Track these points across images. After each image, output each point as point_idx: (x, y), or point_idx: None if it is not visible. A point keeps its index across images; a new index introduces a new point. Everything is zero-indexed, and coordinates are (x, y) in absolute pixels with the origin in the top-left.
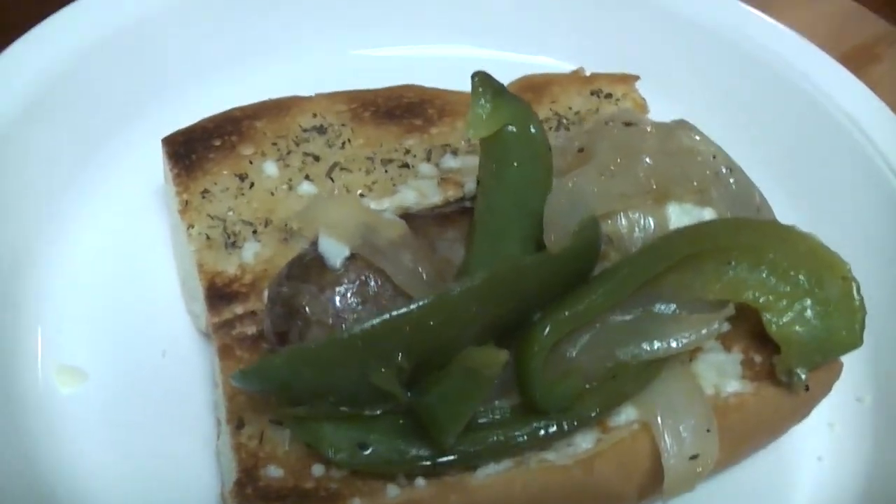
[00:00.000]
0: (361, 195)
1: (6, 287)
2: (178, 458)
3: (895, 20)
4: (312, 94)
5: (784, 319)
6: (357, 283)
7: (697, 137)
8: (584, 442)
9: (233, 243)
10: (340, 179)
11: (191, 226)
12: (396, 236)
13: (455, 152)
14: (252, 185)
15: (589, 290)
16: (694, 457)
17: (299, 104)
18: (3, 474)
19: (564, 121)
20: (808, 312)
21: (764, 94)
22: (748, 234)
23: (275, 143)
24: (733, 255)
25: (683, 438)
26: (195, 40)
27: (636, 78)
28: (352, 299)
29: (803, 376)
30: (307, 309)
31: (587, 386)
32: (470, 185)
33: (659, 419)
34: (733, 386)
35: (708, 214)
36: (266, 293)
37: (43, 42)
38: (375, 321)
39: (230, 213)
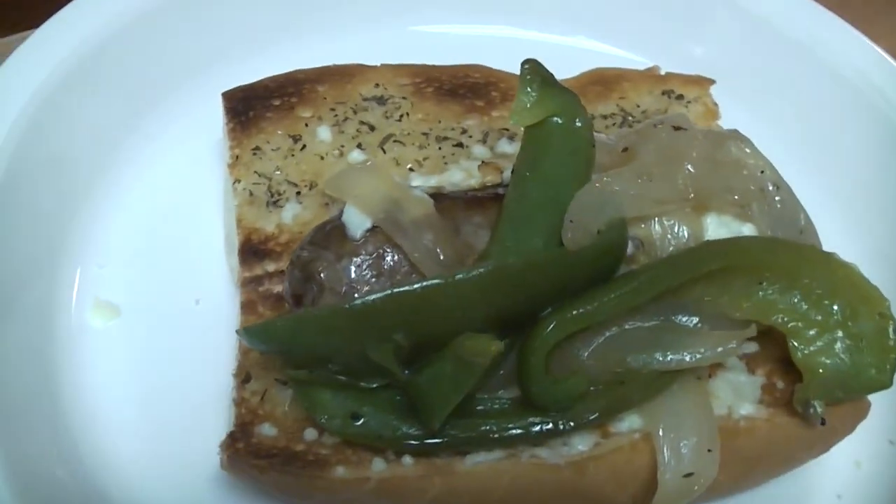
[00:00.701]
0: (410, 169)
1: (58, 221)
2: (193, 404)
3: None
4: (378, 64)
5: (811, 348)
6: (374, 255)
7: (748, 150)
8: (581, 444)
9: (275, 202)
10: (392, 151)
11: (237, 180)
12: (421, 214)
13: (512, 138)
14: (304, 147)
15: (604, 291)
16: (689, 475)
17: (363, 73)
18: (24, 397)
19: (630, 118)
20: (838, 345)
21: (847, 118)
22: (784, 255)
23: (333, 109)
24: (766, 276)
25: (683, 455)
26: (259, 5)
27: (711, 82)
28: (366, 271)
29: (819, 409)
30: (322, 275)
31: (592, 388)
32: (508, 172)
33: (661, 432)
34: (747, 409)
35: (747, 230)
36: (291, 255)
37: None
38: (378, 295)
39: (277, 173)
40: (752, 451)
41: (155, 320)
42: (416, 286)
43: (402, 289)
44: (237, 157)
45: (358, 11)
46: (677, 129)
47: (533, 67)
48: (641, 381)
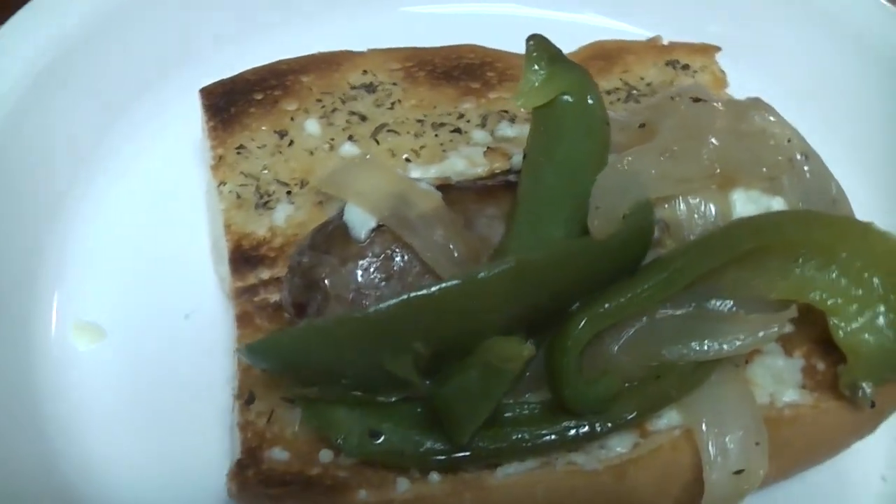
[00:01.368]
0: (407, 160)
1: (31, 238)
2: (190, 428)
3: None
4: (365, 50)
5: (853, 326)
6: (382, 257)
7: (772, 118)
8: (620, 446)
9: (265, 204)
10: (386, 142)
11: (222, 182)
12: (430, 209)
13: (513, 120)
14: (291, 142)
15: (635, 282)
16: (738, 472)
17: (350, 59)
18: (9, 429)
19: (635, 92)
20: (881, 320)
21: (862, 80)
22: (820, 229)
23: (319, 100)
24: (802, 252)
25: (729, 451)
26: None
27: (717, 49)
28: (375, 275)
29: (868, 391)
30: (326, 282)
31: (626, 385)
32: (517, 158)
33: (704, 427)
34: (791, 396)
35: (777, 204)
36: (289, 260)
37: None
38: (393, 302)
39: (265, 172)
40: (799, 441)
41: (143, 339)
42: (433, 289)
43: (418, 293)
44: (220, 157)
45: None
46: (696, 100)
47: (539, 43)
48: (678, 374)
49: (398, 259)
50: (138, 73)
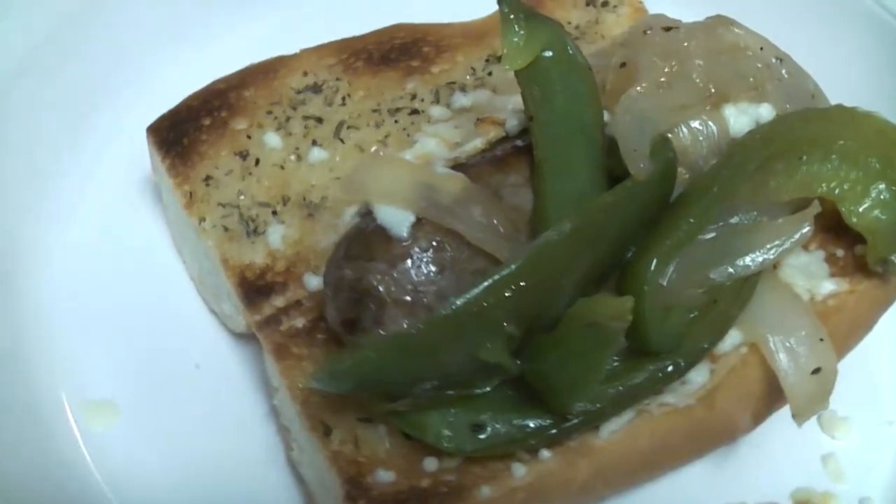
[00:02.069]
0: (378, 152)
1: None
2: (246, 479)
3: None
4: (297, 51)
5: (862, 207)
6: (430, 250)
7: (739, 31)
8: (699, 376)
9: (254, 230)
10: (350, 139)
11: (202, 219)
12: (460, 191)
13: (464, 89)
14: (257, 161)
15: (679, 213)
16: (816, 371)
17: (286, 64)
18: None
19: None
20: (885, 195)
21: None
22: (817, 122)
23: (270, 112)
24: (804, 149)
25: (799, 353)
26: (149, 11)
27: None
28: (428, 269)
29: None
30: (381, 289)
31: (691, 317)
32: (512, 122)
33: (769, 337)
34: (827, 287)
35: (765, 110)
36: (324, 278)
37: None
38: (476, 289)
39: (242, 198)
40: (847, 327)
41: (160, 404)
42: (512, 266)
43: (501, 272)
44: (190, 194)
45: None
46: (667, 29)
47: (511, 4)
48: (732, 293)
49: (447, 248)
50: (58, 124)
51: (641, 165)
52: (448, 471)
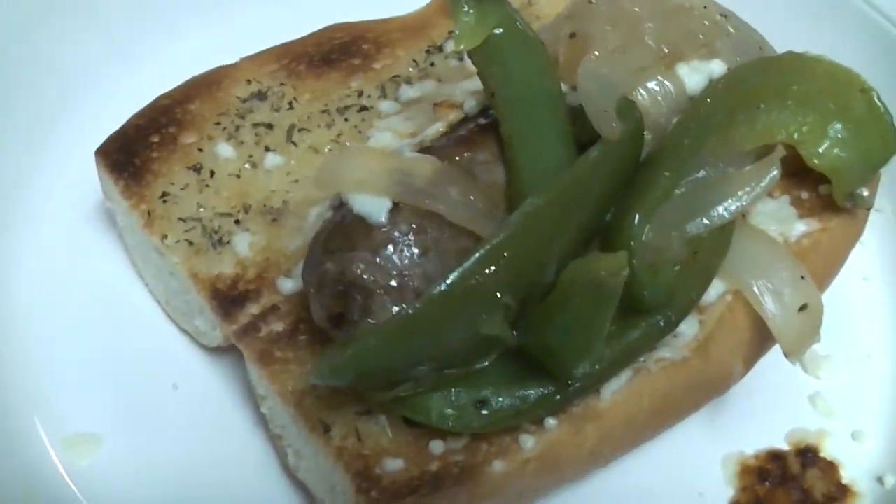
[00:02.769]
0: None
1: None
2: (242, 493)
3: None
4: (237, 60)
5: (822, 148)
6: (411, 233)
7: None
8: (689, 329)
9: (219, 240)
10: (304, 141)
11: (164, 236)
12: (433, 172)
13: (409, 81)
14: (212, 173)
15: (654, 170)
16: (802, 308)
17: (228, 74)
18: None
19: None
20: (842, 134)
21: None
22: (772, 72)
23: (218, 123)
24: (761, 98)
25: (783, 293)
26: (82, 35)
27: None
28: (412, 252)
29: (865, 194)
30: (366, 277)
31: (675, 270)
32: (470, 103)
33: (752, 282)
34: (799, 228)
35: (716, 66)
36: (303, 278)
37: None
38: (468, 262)
39: (202, 210)
40: (823, 264)
41: (143, 428)
42: (501, 235)
43: (491, 243)
44: (148, 213)
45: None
46: None
47: None
48: (710, 244)
49: (428, 229)
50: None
51: (613, 125)
52: (456, 451)
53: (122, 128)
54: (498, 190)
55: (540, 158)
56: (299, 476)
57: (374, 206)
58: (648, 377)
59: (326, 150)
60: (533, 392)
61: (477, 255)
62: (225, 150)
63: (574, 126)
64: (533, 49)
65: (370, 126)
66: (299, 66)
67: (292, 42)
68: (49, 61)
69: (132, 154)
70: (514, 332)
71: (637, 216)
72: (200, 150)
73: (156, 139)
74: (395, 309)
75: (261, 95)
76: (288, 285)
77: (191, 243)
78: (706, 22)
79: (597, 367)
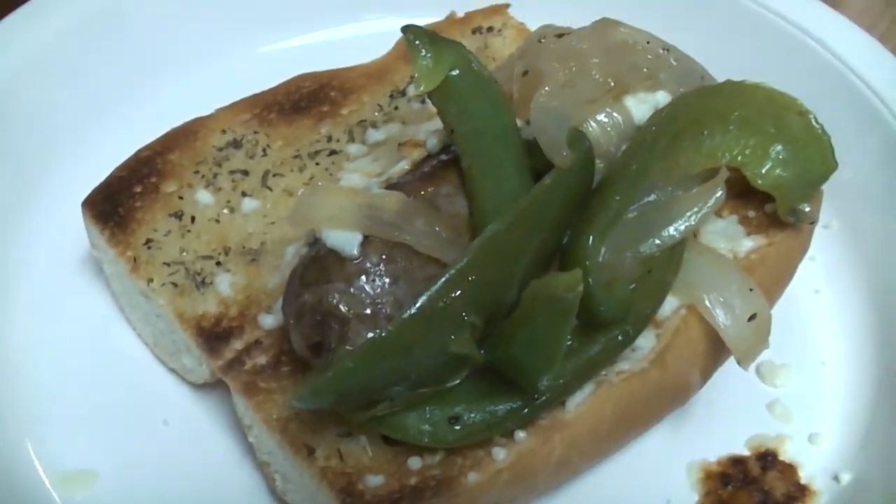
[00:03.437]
0: None
1: None
2: None
3: None
4: (212, 111)
5: (765, 168)
6: (382, 263)
7: (624, 29)
8: (647, 342)
9: (202, 282)
10: (278, 186)
11: (150, 280)
12: (399, 206)
13: (375, 125)
14: (193, 219)
15: (605, 194)
16: (752, 317)
17: (205, 124)
18: None
19: None
20: (784, 155)
21: None
22: (714, 98)
23: (197, 171)
24: (705, 124)
25: (733, 305)
26: (62, 91)
27: (507, 5)
28: (383, 281)
29: (808, 210)
30: (342, 307)
31: (631, 287)
32: (431, 142)
33: (703, 296)
34: (746, 244)
35: (661, 97)
36: (283, 310)
37: None
38: (436, 286)
39: (185, 254)
40: (772, 277)
41: (136, 463)
42: (465, 259)
43: (456, 267)
44: (134, 259)
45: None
46: (560, 35)
47: (415, 32)
48: (663, 262)
49: (397, 259)
50: None
51: (564, 154)
52: (433, 466)
53: (107, 180)
54: (461, 220)
55: (499, 188)
56: (287, 499)
57: (346, 240)
58: (610, 389)
59: (300, 192)
60: (502, 406)
61: (443, 279)
62: (204, 196)
63: (530, 157)
64: (487, 87)
65: (340, 168)
66: (271, 114)
67: (263, 92)
68: (34, 118)
69: (117, 204)
70: (482, 350)
71: (591, 237)
72: (181, 197)
73: (138, 189)
74: (370, 335)
75: (236, 144)
76: (269, 321)
77: (175, 285)
78: (649, 56)
79: (561, 380)
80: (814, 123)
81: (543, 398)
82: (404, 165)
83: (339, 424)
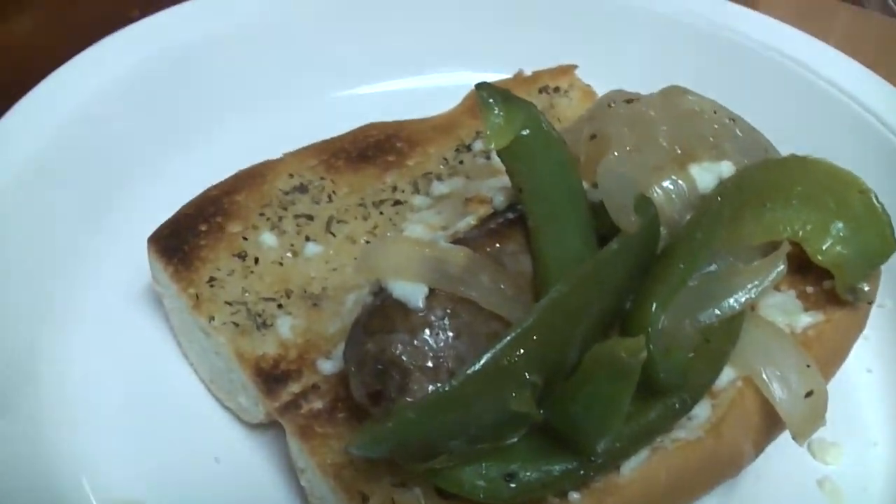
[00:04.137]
0: (367, 242)
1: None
2: None
3: None
4: (281, 155)
5: (825, 245)
6: (446, 317)
7: (692, 97)
8: (703, 411)
9: (263, 323)
10: (342, 232)
11: (211, 318)
12: (466, 261)
13: (440, 177)
14: (256, 260)
15: (670, 262)
16: (809, 394)
17: (272, 168)
18: None
19: None
20: (844, 232)
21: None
22: (777, 172)
23: (262, 213)
24: (767, 197)
25: (790, 380)
26: (136, 127)
27: (574, 67)
28: (446, 335)
29: (867, 289)
30: (404, 358)
31: (690, 356)
32: (498, 198)
33: (761, 369)
34: (804, 320)
35: (726, 167)
36: (344, 357)
37: None
38: (500, 344)
39: (247, 295)
40: (828, 354)
41: (187, 498)
42: (530, 319)
43: (521, 327)
44: (196, 296)
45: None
46: (629, 101)
47: (489, 90)
48: (722, 332)
49: (462, 314)
50: (53, 245)
51: (631, 219)
52: None
53: (173, 217)
54: (525, 278)
55: (564, 249)
56: None
57: (412, 292)
58: (665, 455)
59: (363, 240)
60: (558, 467)
61: (508, 337)
62: (268, 238)
63: (595, 220)
64: (556, 148)
65: (404, 219)
66: (338, 161)
67: (331, 139)
68: (110, 150)
69: (182, 241)
70: (541, 410)
71: (654, 304)
72: (245, 238)
73: (204, 227)
74: (430, 387)
75: (302, 188)
76: (327, 366)
77: (236, 325)
78: (715, 125)
79: (617, 444)
80: (875, 202)
81: (600, 461)
82: (470, 220)
83: (393, 474)
